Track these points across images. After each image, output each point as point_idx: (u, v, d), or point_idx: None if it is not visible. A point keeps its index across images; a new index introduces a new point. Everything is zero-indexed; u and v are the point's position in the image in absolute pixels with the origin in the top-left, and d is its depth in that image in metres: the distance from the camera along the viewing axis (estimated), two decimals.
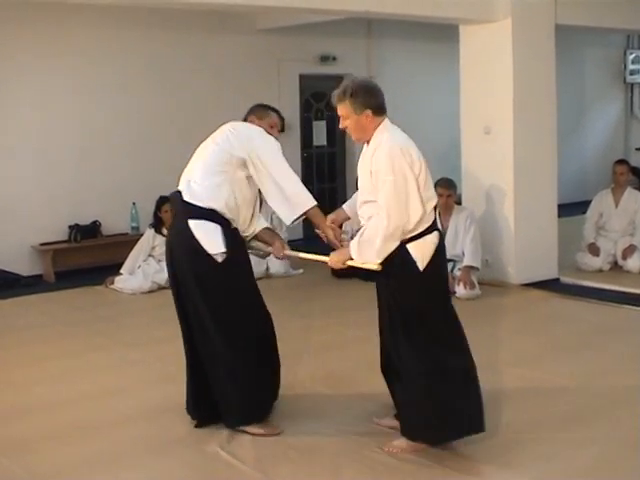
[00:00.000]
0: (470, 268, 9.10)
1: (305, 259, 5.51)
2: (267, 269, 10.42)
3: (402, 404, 5.01)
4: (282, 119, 5.67)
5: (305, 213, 5.29)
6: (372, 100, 4.91)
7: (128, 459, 5.01)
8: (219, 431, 5.32)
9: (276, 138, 5.47)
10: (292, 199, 5.29)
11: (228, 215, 5.27)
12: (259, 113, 5.60)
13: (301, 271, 10.44)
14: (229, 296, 5.28)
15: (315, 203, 5.30)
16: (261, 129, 5.45)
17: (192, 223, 5.20)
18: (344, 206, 5.40)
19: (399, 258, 4.78)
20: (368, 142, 4.99)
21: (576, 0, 9.96)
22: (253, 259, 10.25)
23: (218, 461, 4.94)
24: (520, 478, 4.64)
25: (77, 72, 10.99)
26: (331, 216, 5.32)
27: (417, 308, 4.83)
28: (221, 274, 5.26)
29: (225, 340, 5.21)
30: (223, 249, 5.20)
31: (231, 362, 5.22)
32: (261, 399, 5.38)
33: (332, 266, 5.23)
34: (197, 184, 5.37)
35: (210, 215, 5.22)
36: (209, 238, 5.20)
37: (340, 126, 5.06)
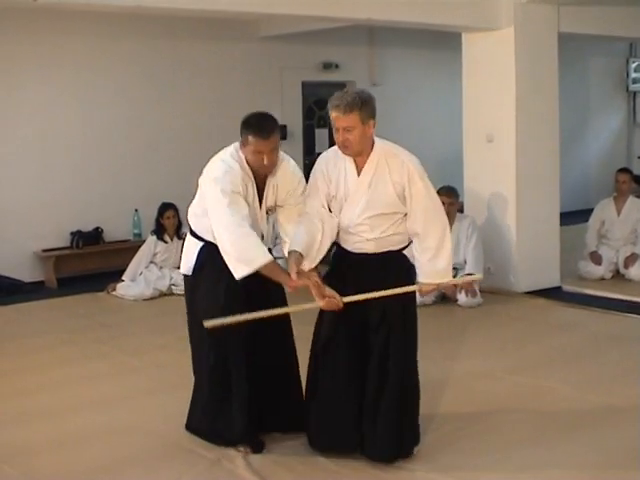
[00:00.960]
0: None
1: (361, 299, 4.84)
2: None
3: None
4: (266, 127, 4.97)
5: (255, 270, 4.75)
6: (375, 110, 4.84)
7: (128, 467, 5.00)
8: None
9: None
10: (233, 255, 4.75)
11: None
12: (242, 137, 5.07)
13: None
14: (190, 313, 5.45)
15: (267, 259, 4.78)
16: (224, 166, 5.01)
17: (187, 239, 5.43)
18: (297, 249, 4.89)
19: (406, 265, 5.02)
20: (357, 155, 4.87)
21: (579, 8, 9.98)
22: None
23: (220, 469, 4.94)
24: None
25: (79, 79, 10.99)
26: (293, 269, 4.77)
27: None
28: (187, 290, 5.43)
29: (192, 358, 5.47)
30: (188, 269, 5.29)
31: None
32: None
33: (425, 293, 5.24)
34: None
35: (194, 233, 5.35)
36: (185, 256, 5.37)
37: (340, 138, 4.79)
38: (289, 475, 4.85)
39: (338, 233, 5.00)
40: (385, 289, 4.77)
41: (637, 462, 4.96)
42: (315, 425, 5.07)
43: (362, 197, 4.86)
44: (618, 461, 4.98)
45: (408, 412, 4.95)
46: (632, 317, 8.47)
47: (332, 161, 4.98)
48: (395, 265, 5.00)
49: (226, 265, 4.77)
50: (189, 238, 5.36)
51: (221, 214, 4.78)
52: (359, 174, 4.89)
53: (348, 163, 4.91)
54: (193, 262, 5.23)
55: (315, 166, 5.08)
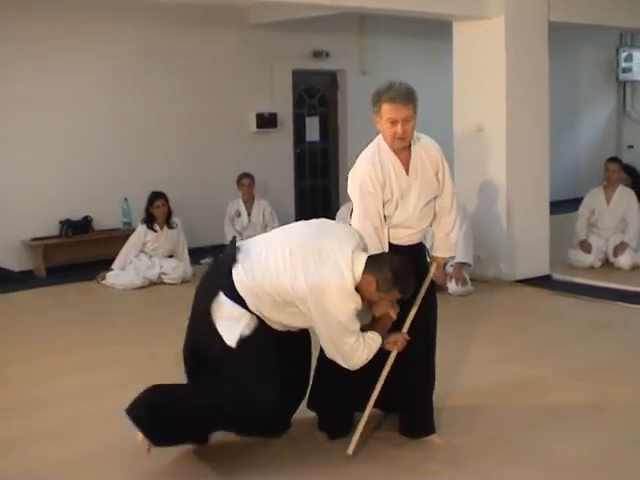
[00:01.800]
0: (462, 264, 9.09)
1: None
2: None
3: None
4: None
5: None
6: None
7: (120, 456, 4.99)
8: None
9: None
10: None
11: None
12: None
13: None
14: None
15: None
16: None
17: None
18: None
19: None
20: (407, 146, 4.97)
21: None
22: None
23: (209, 459, 4.94)
24: (507, 471, 4.66)
25: (67, 69, 10.93)
26: None
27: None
28: None
29: None
30: None
31: None
32: None
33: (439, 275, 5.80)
34: None
35: None
36: None
37: (400, 130, 4.81)
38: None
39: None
40: (419, 278, 4.93)
41: (623, 447, 4.98)
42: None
43: (415, 191, 4.95)
44: (605, 446, 5.01)
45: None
46: (621, 305, 8.51)
47: (377, 166, 4.90)
48: (422, 254, 5.23)
49: None
50: None
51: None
52: (407, 170, 4.95)
53: (393, 162, 4.93)
54: None
55: (359, 177, 4.94)
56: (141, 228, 10.02)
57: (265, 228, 10.70)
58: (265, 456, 4.96)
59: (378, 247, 4.83)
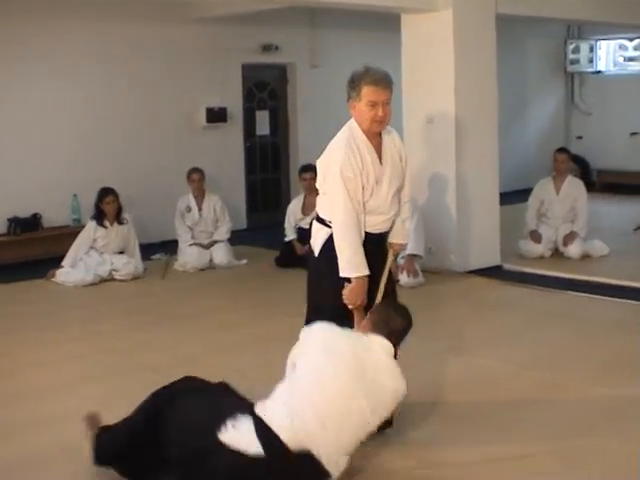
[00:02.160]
0: (413, 256, 9.13)
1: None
2: (211, 260, 10.39)
3: None
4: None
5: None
6: None
7: (77, 453, 4.93)
8: None
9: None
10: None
11: None
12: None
13: (244, 261, 10.41)
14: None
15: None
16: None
17: None
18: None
19: None
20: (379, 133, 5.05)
21: None
22: (197, 250, 10.27)
23: None
24: (458, 460, 4.70)
25: (13, 64, 10.81)
26: None
27: None
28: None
29: None
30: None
31: None
32: None
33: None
34: None
35: None
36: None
37: (381, 113, 4.91)
38: None
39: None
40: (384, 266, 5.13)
41: (581, 437, 5.03)
42: None
43: (387, 176, 5.03)
44: (564, 433, 5.06)
45: None
46: (571, 294, 8.58)
47: (355, 151, 4.92)
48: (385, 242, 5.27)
49: None
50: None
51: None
52: (379, 156, 5.02)
53: (367, 148, 4.97)
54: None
55: (337, 163, 4.89)
56: (91, 224, 9.94)
57: (216, 223, 10.67)
58: None
59: (358, 236, 4.88)
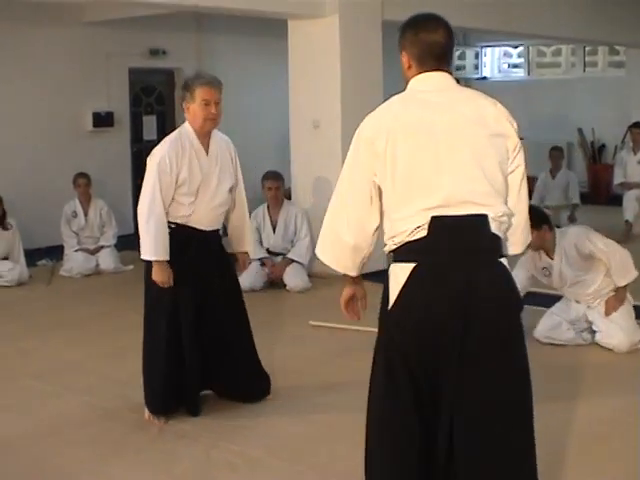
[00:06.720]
0: (291, 261, 9.32)
1: None
2: (97, 265, 10.30)
3: None
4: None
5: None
6: None
7: None
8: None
9: None
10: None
11: None
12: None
13: (131, 267, 10.31)
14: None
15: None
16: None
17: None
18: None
19: None
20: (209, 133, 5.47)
21: None
22: (83, 255, 10.14)
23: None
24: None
25: None
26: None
27: None
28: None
29: None
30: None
31: None
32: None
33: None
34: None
35: None
36: None
37: (213, 110, 5.28)
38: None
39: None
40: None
41: None
42: None
43: (216, 173, 5.35)
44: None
45: None
46: None
47: (177, 150, 5.25)
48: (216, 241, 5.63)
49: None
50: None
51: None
52: (208, 153, 5.35)
53: (195, 146, 5.30)
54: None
55: (156, 158, 5.30)
56: None
57: (102, 228, 10.57)
58: None
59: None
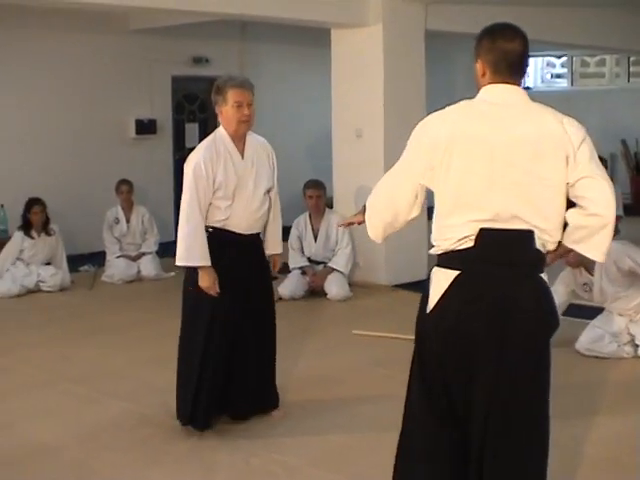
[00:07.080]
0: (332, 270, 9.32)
1: None
2: (138, 271, 10.35)
3: None
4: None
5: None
6: None
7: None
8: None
9: None
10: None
11: None
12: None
13: (172, 274, 10.33)
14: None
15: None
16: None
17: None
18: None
19: None
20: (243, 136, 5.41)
21: (446, 6, 10.17)
22: (125, 261, 10.19)
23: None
24: None
25: None
26: None
27: None
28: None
29: None
30: None
31: None
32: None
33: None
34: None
35: None
36: None
37: (246, 112, 5.25)
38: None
39: None
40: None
41: None
42: None
43: (252, 176, 5.32)
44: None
45: None
46: None
47: (212, 155, 5.25)
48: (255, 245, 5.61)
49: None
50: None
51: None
52: (243, 157, 5.32)
53: (231, 150, 5.28)
54: None
55: (192, 163, 5.38)
56: (18, 235, 9.83)
57: (144, 235, 10.63)
58: None
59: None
